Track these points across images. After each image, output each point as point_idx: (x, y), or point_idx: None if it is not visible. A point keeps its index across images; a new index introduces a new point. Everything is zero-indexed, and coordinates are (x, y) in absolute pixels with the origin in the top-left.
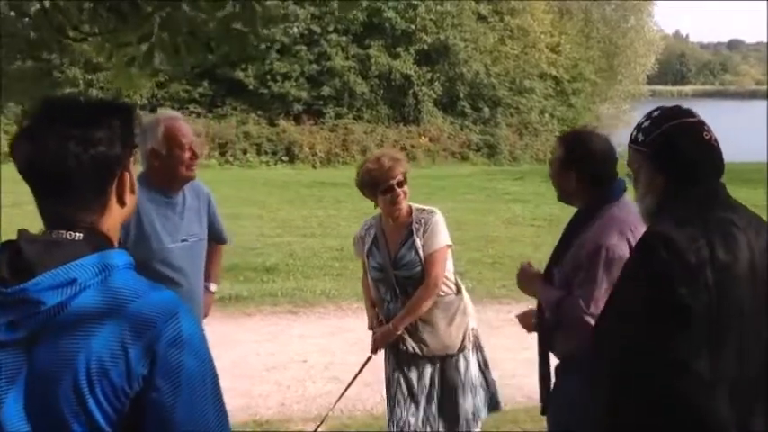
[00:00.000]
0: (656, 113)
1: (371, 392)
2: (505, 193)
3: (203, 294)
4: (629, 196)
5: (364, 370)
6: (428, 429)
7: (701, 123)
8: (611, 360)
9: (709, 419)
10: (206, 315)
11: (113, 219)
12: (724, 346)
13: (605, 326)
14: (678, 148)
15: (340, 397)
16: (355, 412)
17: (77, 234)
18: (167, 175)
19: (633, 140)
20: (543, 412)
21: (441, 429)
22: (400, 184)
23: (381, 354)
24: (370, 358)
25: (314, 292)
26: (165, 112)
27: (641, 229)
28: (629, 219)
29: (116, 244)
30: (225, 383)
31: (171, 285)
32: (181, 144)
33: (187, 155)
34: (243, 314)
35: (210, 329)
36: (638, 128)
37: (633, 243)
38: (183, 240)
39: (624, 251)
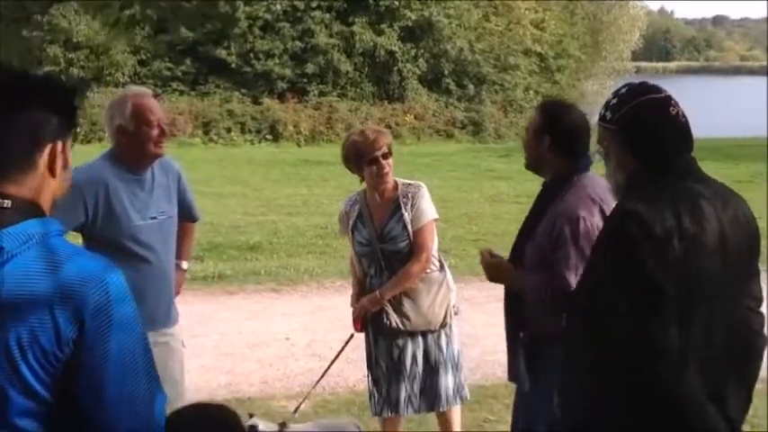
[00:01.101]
0: (622, 91)
1: (353, 369)
2: (490, 171)
3: (175, 272)
4: (595, 171)
5: (346, 347)
6: (410, 406)
7: (668, 99)
8: (585, 339)
9: (682, 395)
10: (178, 293)
11: (44, 190)
12: (694, 318)
13: (579, 304)
14: (645, 125)
15: (322, 375)
16: (337, 389)
17: (6, 201)
18: (135, 153)
19: (602, 118)
20: (511, 379)
21: (422, 406)
22: (385, 156)
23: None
24: (352, 336)
25: (297, 271)
26: (134, 89)
27: (608, 199)
28: (597, 189)
29: (47, 214)
30: (208, 361)
31: (141, 263)
32: (149, 121)
33: (155, 132)
34: (226, 293)
35: (193, 308)
36: (606, 105)
37: (605, 212)
38: (153, 218)
39: (598, 221)
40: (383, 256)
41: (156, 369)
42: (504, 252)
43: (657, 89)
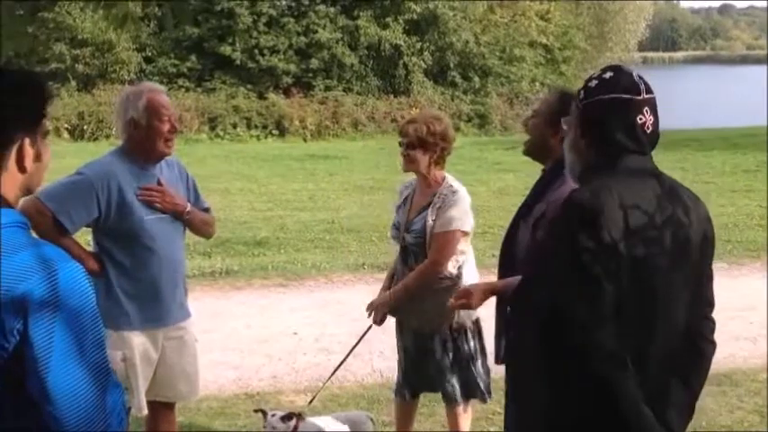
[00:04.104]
0: (607, 76)
1: (361, 364)
2: (496, 163)
3: (205, 213)
4: None
5: (355, 340)
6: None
7: (641, 104)
8: (528, 323)
9: (619, 395)
10: (212, 234)
11: (10, 182)
12: (637, 318)
13: (527, 287)
14: (605, 125)
15: (339, 366)
16: (345, 383)
17: None
18: (145, 147)
19: (578, 92)
20: (496, 361)
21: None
22: (410, 146)
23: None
24: (370, 327)
25: (304, 266)
26: (149, 84)
27: None
28: None
29: (14, 205)
30: (216, 356)
31: (152, 256)
32: (161, 116)
33: (166, 127)
34: (233, 288)
35: (202, 303)
36: (586, 83)
37: None
38: (164, 211)
39: None
40: (406, 247)
41: (110, 363)
42: None
43: (637, 89)
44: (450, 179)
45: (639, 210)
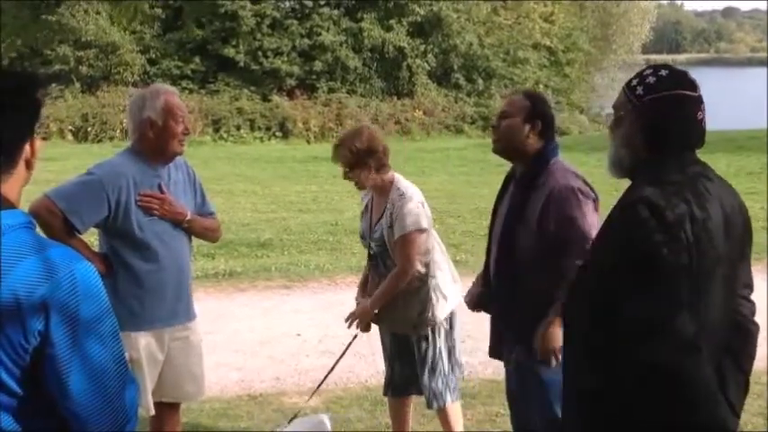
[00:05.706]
0: (663, 73)
1: (365, 365)
2: (499, 165)
3: (208, 219)
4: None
5: (358, 342)
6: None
7: (700, 100)
8: (591, 325)
9: (696, 382)
10: (216, 238)
11: (17, 181)
12: (703, 304)
13: (585, 288)
14: (670, 121)
15: (328, 373)
16: (349, 385)
17: None
18: (159, 147)
19: (631, 89)
20: (491, 354)
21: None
22: (346, 170)
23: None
24: (356, 336)
25: (308, 267)
26: (164, 86)
27: (582, 175)
28: (572, 168)
29: (18, 204)
30: (219, 358)
31: (159, 258)
32: (177, 117)
33: (181, 128)
34: (237, 290)
35: (205, 305)
36: (642, 79)
37: (588, 184)
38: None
39: (589, 191)
40: (372, 252)
41: (126, 360)
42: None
43: (694, 86)
44: (399, 182)
45: (698, 198)
